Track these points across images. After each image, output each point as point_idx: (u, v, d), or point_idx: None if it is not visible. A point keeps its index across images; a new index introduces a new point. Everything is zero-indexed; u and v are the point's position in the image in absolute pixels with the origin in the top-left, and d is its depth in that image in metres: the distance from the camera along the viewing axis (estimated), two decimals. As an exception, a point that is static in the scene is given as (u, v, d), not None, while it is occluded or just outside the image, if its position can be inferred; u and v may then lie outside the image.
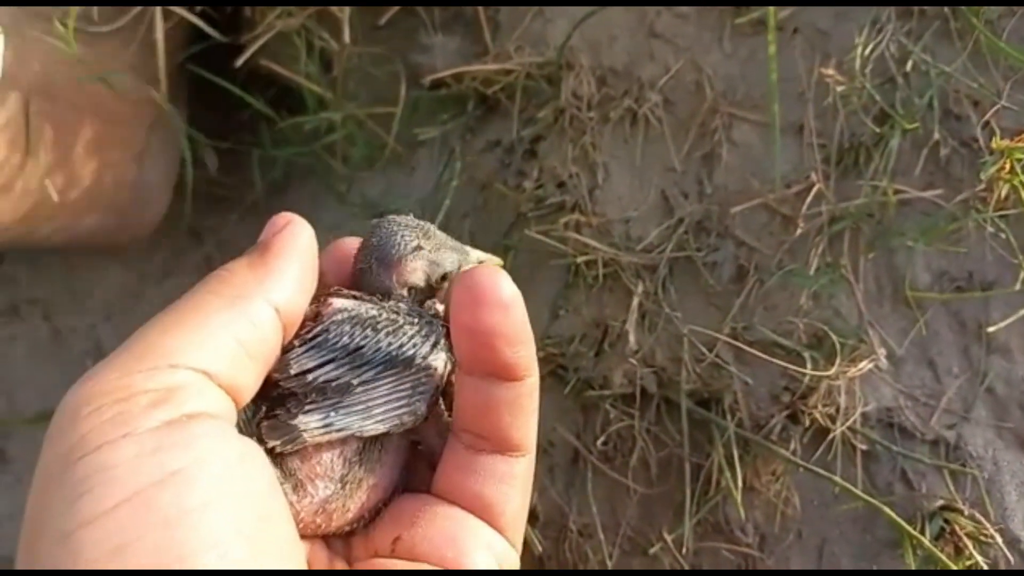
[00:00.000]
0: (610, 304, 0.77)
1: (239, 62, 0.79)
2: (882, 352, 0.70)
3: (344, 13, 0.77)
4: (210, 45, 0.85)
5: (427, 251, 0.40)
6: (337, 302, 0.37)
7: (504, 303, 0.35)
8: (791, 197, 0.75)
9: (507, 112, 0.83)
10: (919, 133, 0.72)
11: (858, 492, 0.67)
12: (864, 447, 0.70)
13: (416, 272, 0.39)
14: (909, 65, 0.74)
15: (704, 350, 0.73)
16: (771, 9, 0.71)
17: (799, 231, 0.73)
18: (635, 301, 0.75)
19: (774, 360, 0.69)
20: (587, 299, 0.77)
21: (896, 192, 0.71)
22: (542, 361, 0.78)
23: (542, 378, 0.37)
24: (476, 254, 0.42)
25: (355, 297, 0.38)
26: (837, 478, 0.68)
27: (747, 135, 0.78)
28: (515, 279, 0.79)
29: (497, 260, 0.44)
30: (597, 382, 0.75)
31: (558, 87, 0.80)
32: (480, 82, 0.81)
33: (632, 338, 0.74)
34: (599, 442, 0.75)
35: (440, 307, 0.39)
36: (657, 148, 0.79)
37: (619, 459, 0.75)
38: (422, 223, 0.42)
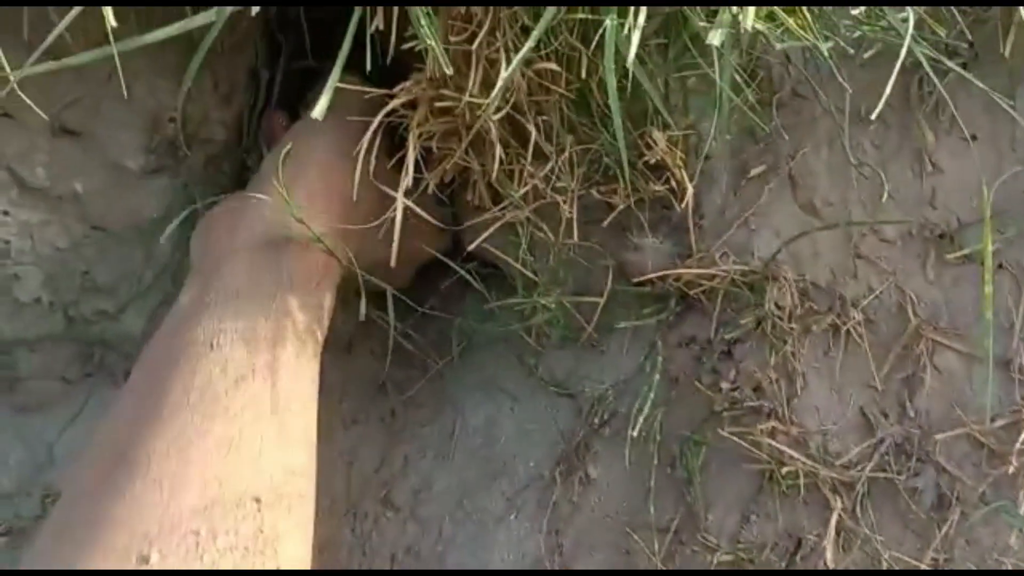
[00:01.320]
0: (805, 516, 0.78)
1: (471, 247, 0.85)
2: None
3: (566, 210, 0.83)
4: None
5: None
6: None
7: None
8: (998, 430, 0.75)
9: (706, 312, 0.87)
10: None
11: None
12: None
13: None
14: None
15: (904, 578, 0.72)
16: (987, 248, 0.74)
17: (1010, 469, 0.73)
18: (834, 517, 0.75)
19: (982, 600, 0.68)
20: (781, 508, 0.78)
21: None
22: (729, 564, 0.79)
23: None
24: None
25: None
26: None
27: (951, 362, 0.79)
28: (704, 477, 0.81)
29: None
30: (788, 595, 0.75)
31: (760, 295, 0.83)
32: (683, 283, 0.86)
33: (829, 555, 0.74)
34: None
35: None
36: (858, 364, 0.81)
37: None
38: None
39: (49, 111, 0.90)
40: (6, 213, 0.99)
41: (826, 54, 0.71)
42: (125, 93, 0.99)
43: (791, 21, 0.74)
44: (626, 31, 0.69)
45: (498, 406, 0.96)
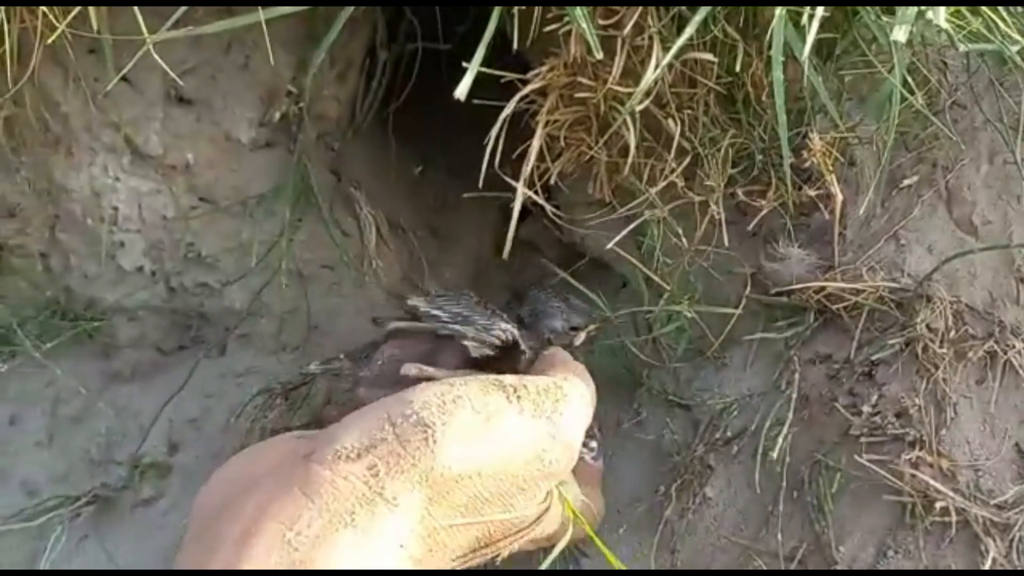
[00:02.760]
0: (951, 556, 0.72)
1: (609, 245, 0.81)
2: None
3: (715, 210, 0.79)
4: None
5: None
6: None
7: None
8: None
9: (845, 329, 0.81)
10: None
11: None
12: None
13: None
14: None
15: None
16: None
17: None
18: (988, 560, 0.69)
19: None
20: (924, 546, 0.72)
21: None
22: (862, 602, 0.73)
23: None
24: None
25: None
26: None
27: (1124, 402, 0.73)
28: (836, 505, 0.75)
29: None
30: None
31: (910, 315, 0.77)
32: (824, 296, 0.80)
33: (980, 602, 0.68)
34: None
35: None
36: (1016, 397, 0.75)
37: None
38: None
39: (167, 78, 0.88)
40: (117, 179, 0.98)
41: (1018, 59, 0.65)
42: (244, 62, 0.97)
43: (977, 22, 0.68)
44: (803, 20, 0.64)
45: (608, 415, 0.92)
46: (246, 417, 0.94)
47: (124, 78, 0.95)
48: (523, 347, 0.69)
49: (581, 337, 0.74)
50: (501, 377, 0.57)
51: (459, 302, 0.75)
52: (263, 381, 0.96)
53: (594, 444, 0.78)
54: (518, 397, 0.55)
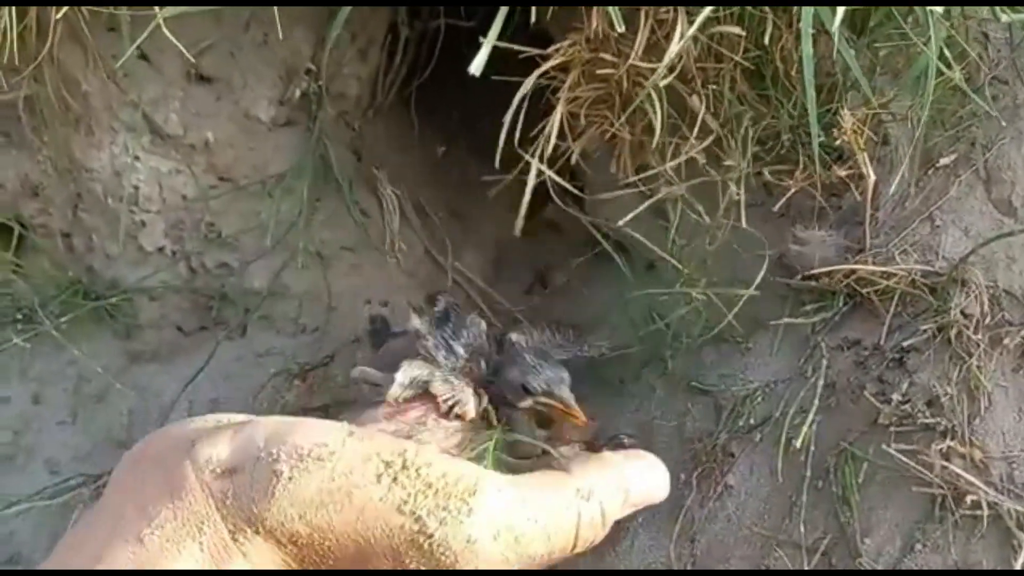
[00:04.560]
0: (982, 550, 0.69)
1: (622, 222, 0.79)
2: None
3: (734, 191, 0.76)
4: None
5: None
6: None
7: None
8: None
9: (876, 314, 0.78)
10: None
11: None
12: None
13: None
14: None
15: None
16: None
17: None
18: (1021, 557, 0.66)
19: None
20: (953, 540, 0.70)
21: None
22: (888, 595, 0.71)
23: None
24: None
25: None
26: None
27: None
28: (863, 496, 0.72)
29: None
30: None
31: (944, 300, 0.74)
32: (854, 280, 0.77)
33: (1012, 599, 0.65)
34: None
35: None
36: (1054, 387, 0.72)
37: None
38: None
39: (186, 56, 0.88)
40: (137, 159, 0.98)
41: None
42: (263, 40, 0.96)
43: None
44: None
45: (627, 401, 0.90)
46: (265, 398, 0.93)
47: (143, 57, 0.95)
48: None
49: (527, 403, 0.66)
50: (413, 448, 0.51)
51: (460, 332, 0.72)
52: (282, 362, 0.95)
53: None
54: (394, 480, 0.49)
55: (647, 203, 0.78)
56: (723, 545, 0.79)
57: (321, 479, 0.48)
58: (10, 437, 1.02)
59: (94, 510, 0.52)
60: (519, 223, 0.84)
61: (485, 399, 0.67)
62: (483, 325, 0.74)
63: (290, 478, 0.48)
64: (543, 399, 0.66)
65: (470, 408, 0.64)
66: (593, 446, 0.75)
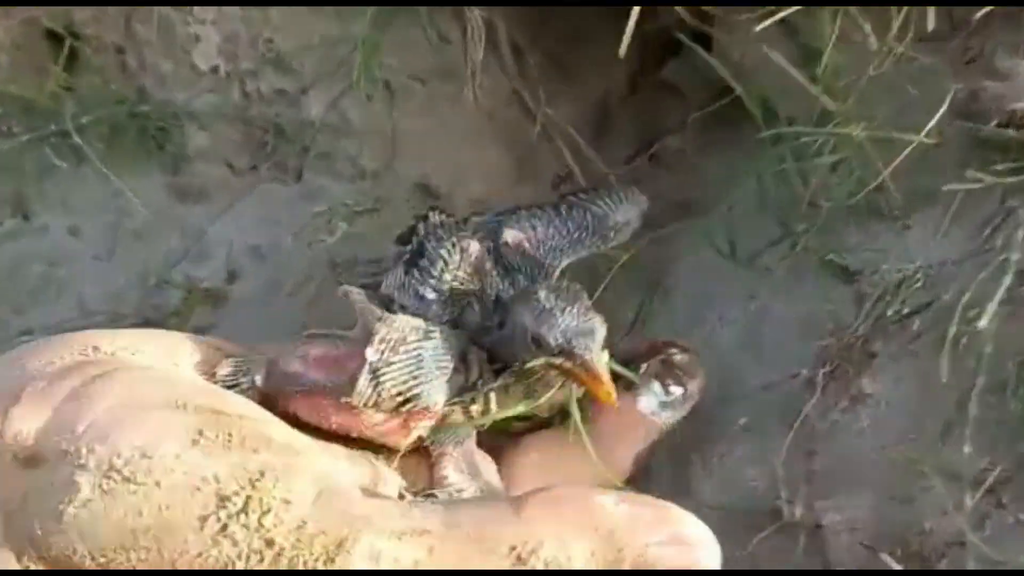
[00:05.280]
0: None
1: (760, 27, 0.60)
2: None
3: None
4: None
5: None
6: None
7: None
8: None
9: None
10: None
11: None
12: None
13: None
14: None
15: None
16: None
17: None
18: None
19: None
20: None
21: None
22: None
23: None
24: None
25: None
26: None
27: None
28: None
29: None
30: None
31: None
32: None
33: None
34: None
35: None
36: None
37: None
38: None
39: None
40: (194, -42, 0.85)
41: None
42: None
43: None
44: None
45: (746, 283, 0.72)
46: (305, 238, 0.80)
47: None
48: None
49: (537, 361, 0.49)
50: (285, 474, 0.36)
51: (432, 267, 0.55)
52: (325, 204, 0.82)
53: (676, 390, 0.58)
54: (222, 529, 0.34)
55: (787, 11, 0.58)
56: (851, 466, 0.60)
57: (125, 510, 0.33)
58: (43, 268, 0.93)
59: None
60: (625, 40, 0.66)
61: (475, 369, 0.51)
62: (474, 247, 0.56)
63: (87, 501, 0.33)
64: (559, 360, 0.49)
65: (433, 406, 0.47)
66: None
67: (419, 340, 0.49)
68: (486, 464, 0.51)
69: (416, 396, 0.47)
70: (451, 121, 0.84)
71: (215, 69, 0.88)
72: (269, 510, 0.34)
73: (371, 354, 0.47)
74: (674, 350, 0.58)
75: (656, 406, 0.56)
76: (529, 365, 0.49)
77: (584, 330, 0.48)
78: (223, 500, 0.33)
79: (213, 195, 0.91)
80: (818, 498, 0.60)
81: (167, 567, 0.33)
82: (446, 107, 0.83)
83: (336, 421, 0.46)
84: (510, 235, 0.58)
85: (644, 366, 0.56)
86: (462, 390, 0.50)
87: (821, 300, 0.67)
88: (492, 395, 0.50)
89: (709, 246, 0.74)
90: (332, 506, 0.35)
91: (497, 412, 0.50)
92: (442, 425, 0.49)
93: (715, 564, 0.35)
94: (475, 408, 0.50)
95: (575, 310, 0.49)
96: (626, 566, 0.34)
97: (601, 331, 0.49)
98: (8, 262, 0.94)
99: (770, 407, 0.65)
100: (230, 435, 0.36)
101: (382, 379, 0.47)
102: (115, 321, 0.87)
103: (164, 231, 0.91)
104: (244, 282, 0.87)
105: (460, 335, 0.51)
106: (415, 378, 0.47)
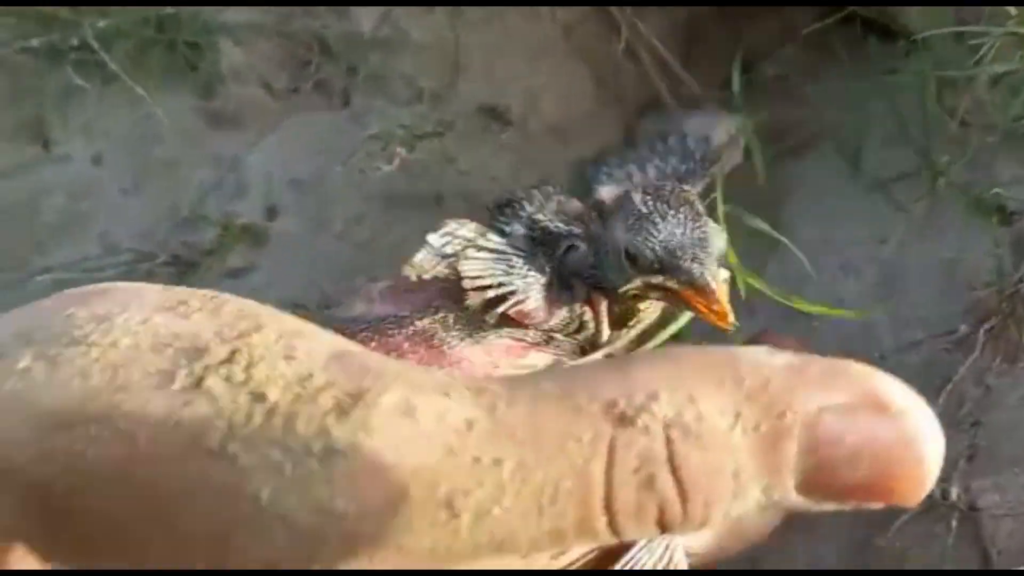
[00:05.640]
0: None
1: None
2: None
3: None
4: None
5: None
6: None
7: None
8: None
9: None
10: None
11: None
12: None
13: None
14: None
15: None
16: None
17: None
18: None
19: None
20: None
21: None
22: None
23: None
24: None
25: None
26: None
27: None
28: None
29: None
30: None
31: None
32: None
33: None
34: None
35: None
36: None
37: None
38: None
39: None
40: None
41: None
42: None
43: None
44: None
45: (875, 224, 0.61)
46: (356, 165, 0.70)
47: None
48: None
49: (634, 284, 0.41)
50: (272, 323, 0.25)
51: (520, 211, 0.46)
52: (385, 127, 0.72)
53: None
54: (196, 382, 0.23)
55: None
56: (1013, 439, 0.51)
57: (71, 374, 0.23)
58: (64, 202, 0.84)
59: None
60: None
61: (580, 292, 0.42)
62: (573, 203, 0.46)
63: (25, 370, 0.24)
64: (658, 279, 0.39)
65: (530, 303, 0.39)
66: None
67: (502, 243, 0.41)
68: None
69: (502, 286, 0.39)
70: (523, 35, 0.73)
71: (252, -24, 0.78)
72: (262, 359, 0.24)
73: (435, 239, 0.40)
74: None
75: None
76: (624, 289, 0.40)
77: (692, 241, 0.38)
78: (199, 352, 0.24)
79: (249, 120, 0.81)
80: (975, 477, 0.50)
81: (124, 447, 0.23)
82: (517, 19, 0.72)
83: (414, 357, 0.38)
84: (605, 191, 0.49)
85: None
86: (570, 319, 0.42)
87: (970, 245, 0.57)
88: (602, 324, 0.41)
89: (828, 182, 0.64)
90: (352, 359, 0.25)
91: (606, 342, 0.41)
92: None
93: (935, 445, 0.21)
94: (582, 336, 0.41)
95: (681, 216, 0.39)
96: (789, 444, 0.21)
97: (717, 241, 0.39)
98: (27, 195, 0.85)
99: (909, 371, 0.55)
100: (221, 305, 0.26)
101: (463, 269, 0.39)
102: (143, 260, 0.78)
103: (196, 160, 0.82)
104: (285, 218, 0.78)
105: (561, 263, 0.42)
106: (503, 272, 0.40)
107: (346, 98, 0.80)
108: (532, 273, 0.41)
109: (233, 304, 0.26)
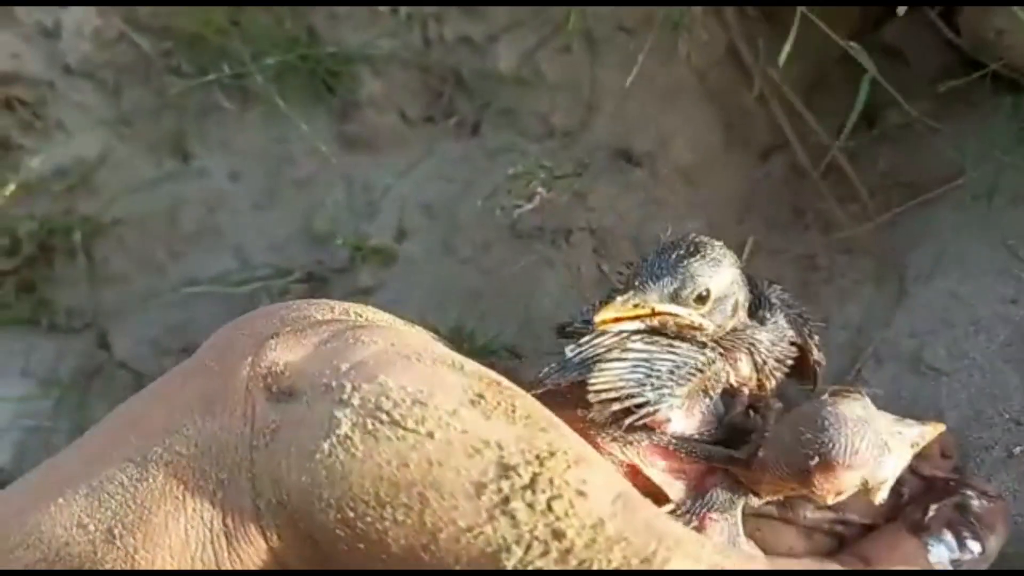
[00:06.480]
0: None
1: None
2: None
3: None
4: None
5: None
6: None
7: None
8: None
9: None
10: None
11: None
12: None
13: None
14: None
15: None
16: None
17: None
18: None
19: None
20: None
21: None
22: None
23: None
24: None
25: None
26: None
27: None
28: None
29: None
30: None
31: None
32: None
33: None
34: None
35: None
36: None
37: None
38: None
39: None
40: None
41: None
42: None
43: None
44: None
45: (1007, 281, 0.62)
46: (497, 204, 0.73)
47: None
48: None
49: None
50: (573, 452, 0.30)
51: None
52: (522, 164, 0.75)
53: (974, 546, 0.47)
54: (503, 504, 0.28)
55: None
56: None
57: (389, 457, 0.28)
58: (201, 214, 0.89)
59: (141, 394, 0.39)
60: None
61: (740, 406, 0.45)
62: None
63: (345, 438, 0.29)
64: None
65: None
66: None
67: (645, 344, 0.42)
68: (753, 551, 0.44)
69: (633, 397, 0.40)
70: (657, 77, 0.75)
71: (394, 10, 0.81)
72: (560, 495, 0.28)
73: (569, 351, 0.42)
74: (972, 492, 0.49)
75: (947, 561, 0.46)
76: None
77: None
78: (506, 470, 0.28)
79: (382, 146, 0.85)
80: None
81: (425, 538, 0.27)
82: (653, 62, 0.75)
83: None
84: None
85: (934, 508, 0.47)
86: (722, 428, 0.44)
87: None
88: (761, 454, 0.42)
89: (958, 234, 0.65)
90: (636, 514, 0.29)
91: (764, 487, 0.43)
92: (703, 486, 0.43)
93: None
94: (739, 452, 0.43)
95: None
96: None
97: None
98: (166, 205, 0.89)
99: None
100: (513, 406, 0.31)
101: (593, 381, 0.41)
102: (278, 276, 0.82)
103: (328, 181, 0.86)
104: (414, 241, 0.81)
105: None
106: (639, 383, 0.40)
107: (477, 131, 0.83)
108: (672, 378, 0.41)
109: (521, 405, 0.30)
